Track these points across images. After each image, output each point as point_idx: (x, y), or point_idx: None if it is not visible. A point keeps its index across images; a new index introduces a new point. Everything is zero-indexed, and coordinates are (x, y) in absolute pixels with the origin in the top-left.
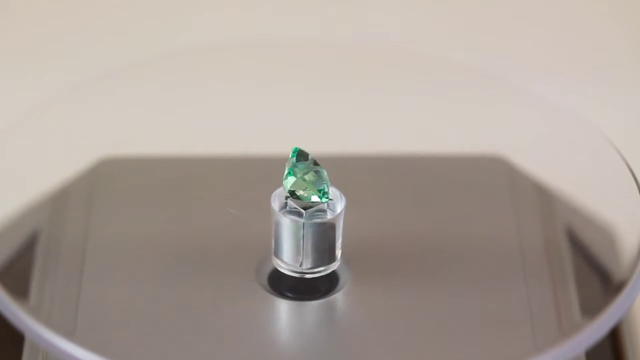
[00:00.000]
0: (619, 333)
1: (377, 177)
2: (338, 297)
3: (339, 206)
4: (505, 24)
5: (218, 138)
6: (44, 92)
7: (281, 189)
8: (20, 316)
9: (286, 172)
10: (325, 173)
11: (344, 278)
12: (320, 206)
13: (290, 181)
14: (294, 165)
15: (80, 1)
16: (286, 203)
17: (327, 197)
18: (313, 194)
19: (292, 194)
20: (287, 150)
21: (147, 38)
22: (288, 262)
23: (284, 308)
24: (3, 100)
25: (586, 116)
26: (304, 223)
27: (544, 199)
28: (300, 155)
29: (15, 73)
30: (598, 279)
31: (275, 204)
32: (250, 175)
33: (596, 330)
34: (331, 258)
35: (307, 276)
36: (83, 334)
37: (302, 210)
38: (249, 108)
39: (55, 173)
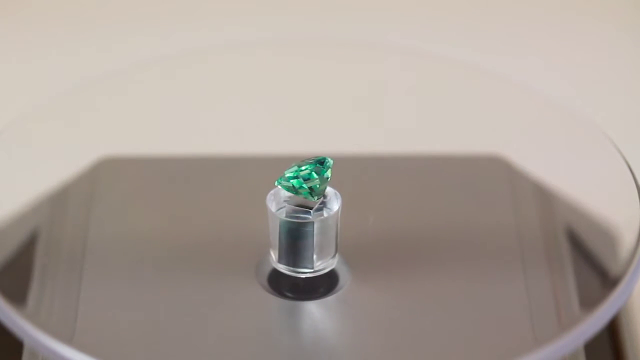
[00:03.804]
0: (617, 328)
1: (377, 177)
2: (337, 296)
3: (336, 205)
4: (506, 23)
5: (218, 138)
6: (44, 92)
7: (277, 188)
8: (19, 323)
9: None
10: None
11: (343, 277)
12: (317, 205)
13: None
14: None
15: (80, 1)
16: (283, 203)
17: (319, 195)
18: (306, 193)
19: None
20: (287, 150)
21: (148, 38)
22: (286, 262)
23: (283, 308)
24: (3, 100)
25: (586, 116)
26: (300, 222)
27: (544, 199)
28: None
29: (15, 73)
30: (597, 275)
31: (272, 204)
32: (250, 175)
33: (594, 323)
34: (329, 257)
35: (305, 276)
36: (82, 338)
37: (299, 210)
38: (249, 108)
39: (55, 173)
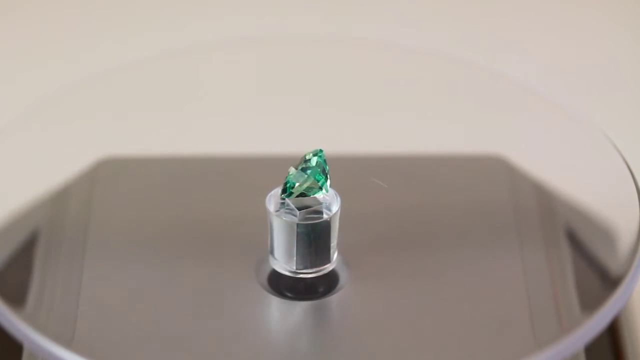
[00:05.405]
0: (617, 328)
1: (377, 177)
2: (337, 297)
3: (335, 206)
4: (506, 22)
5: (218, 138)
6: (44, 91)
7: (277, 189)
8: (18, 326)
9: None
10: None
11: (343, 278)
12: (316, 207)
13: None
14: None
15: (80, 1)
16: (282, 204)
17: (324, 188)
18: (311, 190)
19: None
20: (287, 150)
21: (147, 38)
22: (285, 263)
23: (283, 308)
24: (3, 100)
25: (586, 115)
26: (299, 224)
27: (544, 199)
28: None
29: (15, 72)
30: (597, 276)
31: (271, 205)
32: (249, 175)
33: (595, 325)
34: (328, 258)
35: (304, 276)
36: (81, 340)
37: (297, 211)
38: (249, 108)
39: (55, 173)
